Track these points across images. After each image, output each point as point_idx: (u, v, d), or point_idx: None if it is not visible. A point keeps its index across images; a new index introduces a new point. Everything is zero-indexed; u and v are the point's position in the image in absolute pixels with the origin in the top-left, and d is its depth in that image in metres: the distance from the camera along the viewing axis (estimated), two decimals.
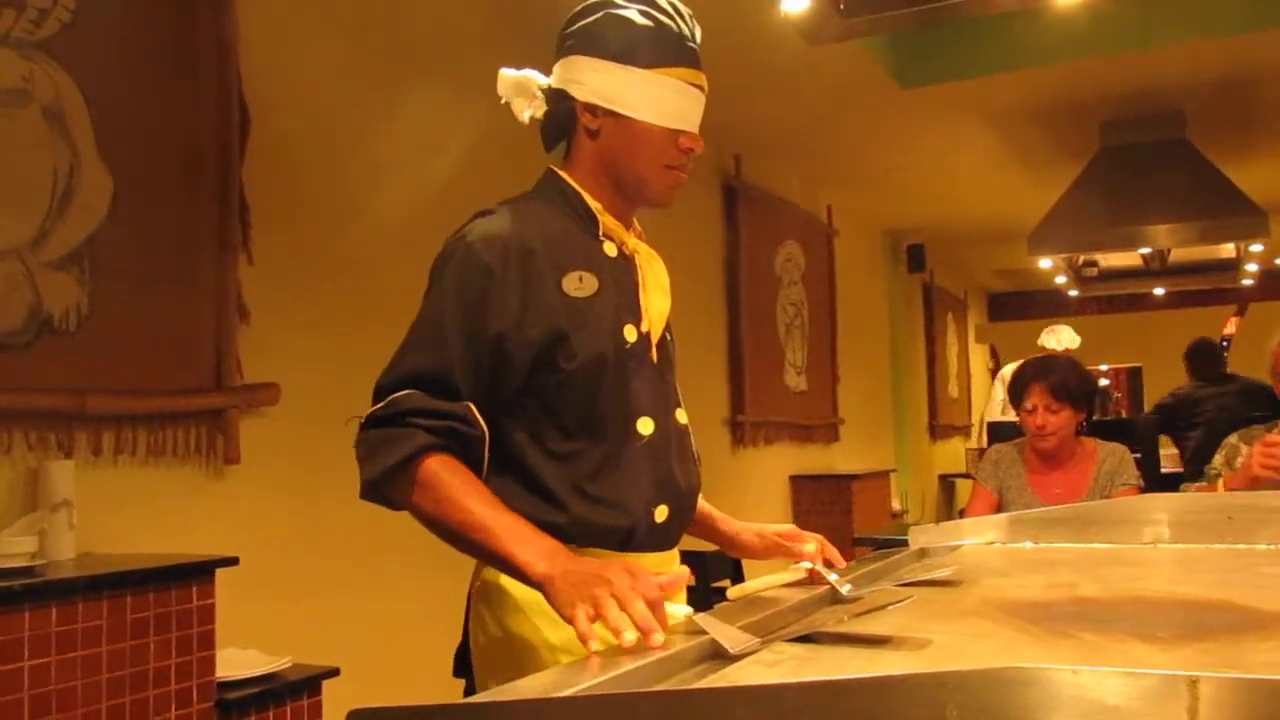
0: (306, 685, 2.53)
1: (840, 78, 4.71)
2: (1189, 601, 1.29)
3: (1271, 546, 1.65)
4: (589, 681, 0.89)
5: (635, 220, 1.62)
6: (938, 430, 9.52)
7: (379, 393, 1.44)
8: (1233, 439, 2.96)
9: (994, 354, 11.87)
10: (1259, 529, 1.71)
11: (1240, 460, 2.85)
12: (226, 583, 2.36)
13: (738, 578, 3.88)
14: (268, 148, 2.97)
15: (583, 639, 1.13)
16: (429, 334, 1.45)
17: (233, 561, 2.36)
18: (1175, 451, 5.94)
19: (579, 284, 1.47)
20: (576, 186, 1.56)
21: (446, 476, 1.37)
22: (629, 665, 0.95)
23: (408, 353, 1.45)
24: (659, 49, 1.51)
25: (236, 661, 2.47)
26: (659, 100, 1.50)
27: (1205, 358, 6.05)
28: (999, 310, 12.74)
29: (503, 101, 1.62)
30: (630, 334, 1.51)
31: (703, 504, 1.70)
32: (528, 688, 0.90)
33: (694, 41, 1.55)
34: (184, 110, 2.77)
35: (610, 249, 1.54)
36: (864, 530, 5.21)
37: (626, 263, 1.56)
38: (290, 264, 3.07)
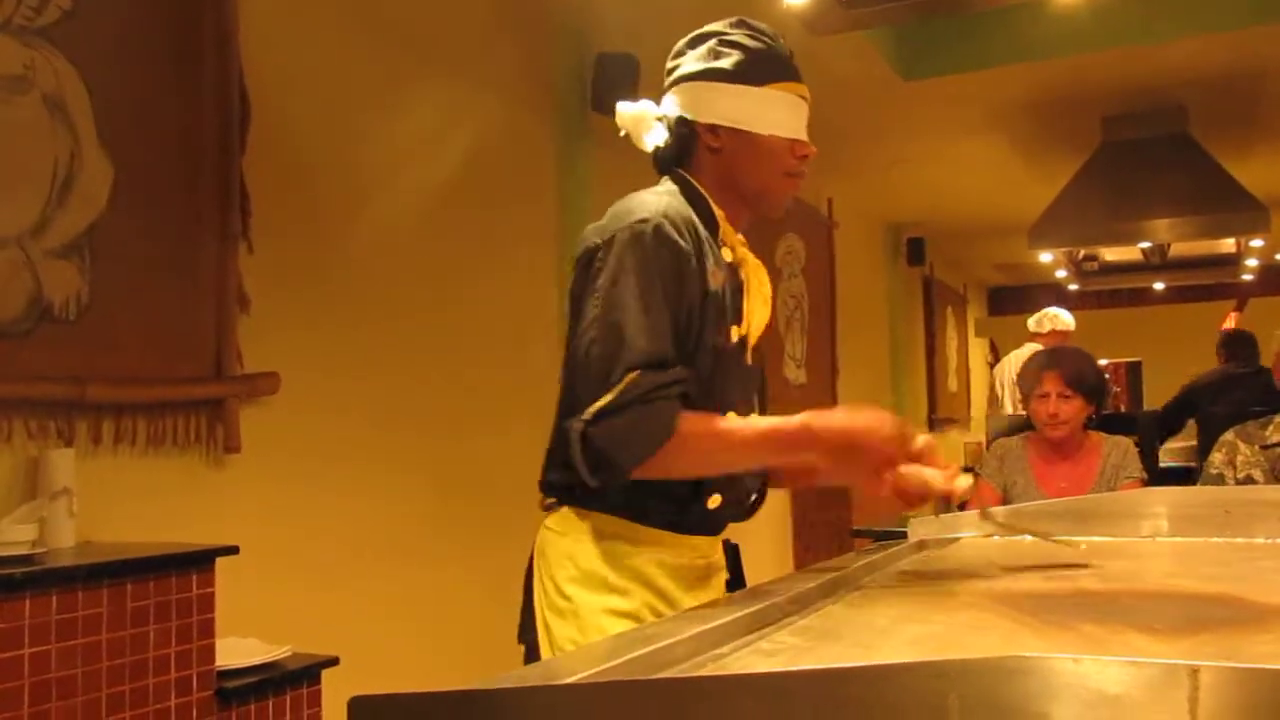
0: (306, 674, 2.54)
1: (843, 70, 4.70)
2: (1187, 595, 1.29)
3: (1269, 540, 1.66)
4: (590, 670, 0.90)
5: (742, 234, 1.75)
6: (937, 423, 9.52)
7: (601, 380, 1.49)
8: (1229, 436, 2.95)
9: (993, 348, 11.87)
10: (1256, 523, 1.71)
11: (1240, 459, 2.85)
12: (226, 571, 2.36)
13: (736, 567, 3.88)
14: (269, 137, 2.96)
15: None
16: (640, 316, 1.51)
17: (233, 550, 2.36)
18: (1184, 444, 5.89)
19: (715, 276, 1.60)
20: (704, 192, 1.68)
21: (704, 428, 1.51)
22: (629, 655, 0.95)
23: (630, 336, 1.50)
24: (770, 67, 1.66)
25: (236, 650, 2.48)
26: (776, 114, 1.65)
27: (1242, 345, 6.03)
28: (999, 304, 12.75)
29: (622, 134, 1.74)
30: (733, 335, 1.65)
31: None
32: (528, 675, 0.90)
33: (793, 58, 1.70)
34: (185, 99, 2.77)
35: (726, 254, 1.66)
36: (862, 522, 5.21)
37: (736, 268, 1.68)
38: (291, 254, 3.07)
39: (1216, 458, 2.91)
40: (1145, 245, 6.18)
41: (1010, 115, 5.85)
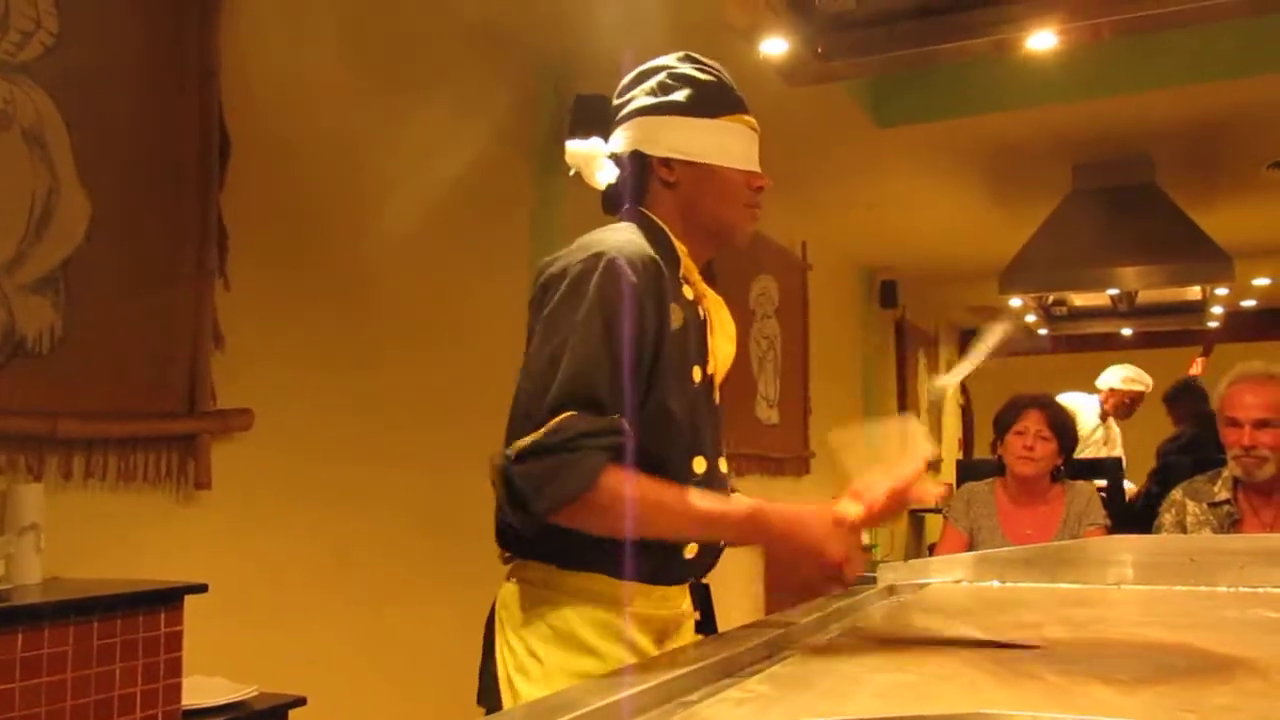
0: (273, 714, 2.51)
1: (818, 116, 4.77)
2: (1151, 644, 1.32)
3: (1232, 589, 1.69)
4: (559, 718, 0.90)
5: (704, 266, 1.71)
6: None
7: (531, 417, 1.43)
8: (1177, 494, 2.96)
9: (964, 391, 11.95)
10: (1220, 572, 1.74)
11: (1189, 519, 2.86)
12: (194, 609, 2.34)
13: (707, 608, 3.88)
14: (247, 174, 2.97)
15: None
16: (585, 353, 1.45)
17: (202, 589, 2.35)
18: None
19: (675, 315, 1.56)
20: (664, 227, 1.64)
21: (627, 492, 1.42)
22: (596, 703, 0.96)
23: (562, 371, 1.45)
24: (721, 99, 1.65)
25: (203, 689, 2.45)
26: (729, 145, 1.64)
27: (1190, 398, 6.07)
28: (971, 347, 12.82)
29: (571, 173, 1.71)
30: (697, 374, 1.59)
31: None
32: None
33: (739, 91, 1.68)
34: (165, 135, 2.77)
35: (688, 291, 1.63)
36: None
37: (699, 305, 1.65)
38: (267, 291, 3.07)
39: (1166, 519, 2.92)
40: (1113, 292, 6.26)
41: (982, 162, 5.94)
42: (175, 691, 2.28)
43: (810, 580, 1.43)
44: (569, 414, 1.40)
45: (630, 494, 1.42)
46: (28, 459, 2.43)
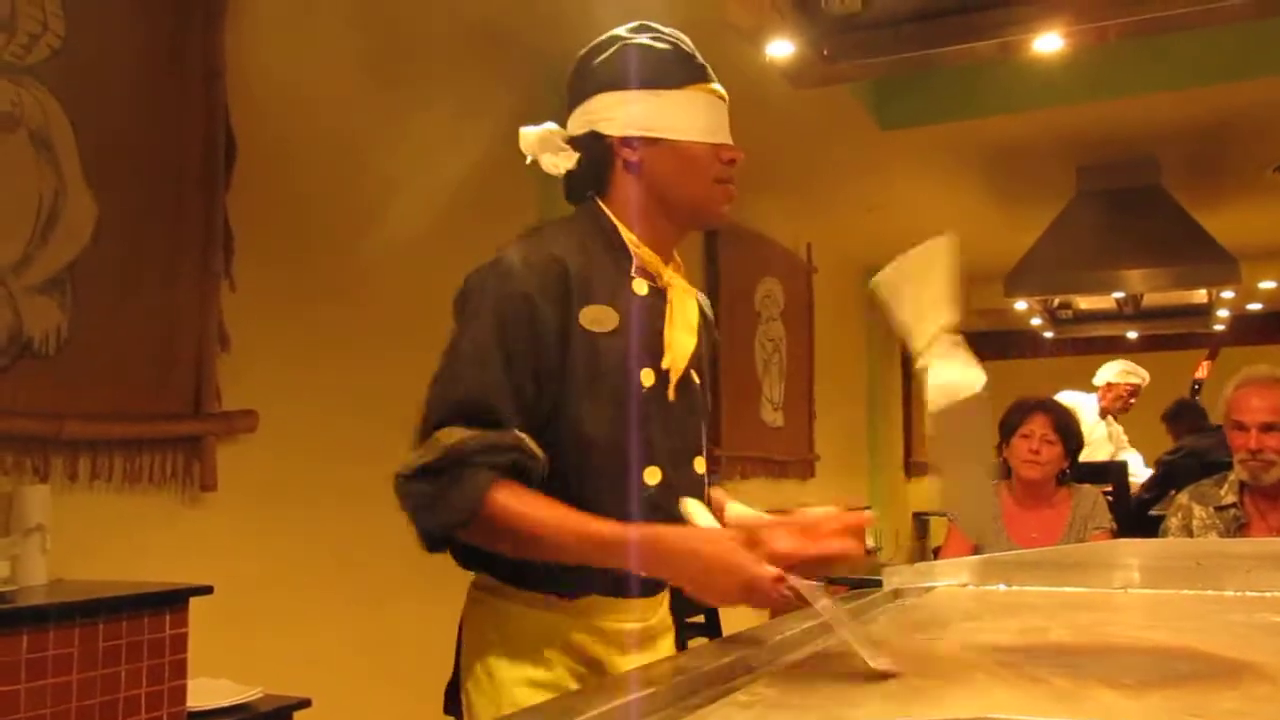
0: (278, 716, 2.51)
1: (823, 118, 4.77)
2: (1157, 648, 1.31)
3: (1238, 593, 1.68)
4: None
5: (675, 254, 1.59)
6: (913, 467, 9.55)
7: (424, 430, 1.37)
8: (1183, 499, 2.95)
9: None
10: (1226, 576, 1.73)
11: (1195, 523, 2.86)
12: (199, 610, 2.35)
13: (711, 611, 3.88)
14: (253, 175, 2.98)
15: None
16: (468, 362, 1.39)
17: (207, 590, 2.35)
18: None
19: (595, 319, 1.44)
20: (614, 219, 1.53)
21: (517, 509, 1.33)
22: (603, 707, 0.96)
23: (448, 384, 1.38)
24: (681, 69, 1.52)
25: (208, 691, 2.45)
26: (693, 118, 1.51)
27: (1190, 415, 6.05)
28: (976, 349, 12.74)
29: (529, 160, 1.58)
30: (648, 377, 1.47)
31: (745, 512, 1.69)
32: None
33: (701, 58, 1.56)
34: (170, 138, 2.78)
35: (640, 286, 1.51)
36: (839, 569, 5.21)
37: (657, 299, 1.52)
38: (272, 293, 3.07)
39: (1173, 523, 2.92)
40: (1119, 295, 6.26)
41: (987, 164, 5.94)
42: (180, 693, 2.29)
43: (739, 590, 1.28)
44: (453, 430, 1.34)
45: (521, 512, 1.33)
46: (34, 460, 2.44)
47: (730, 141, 1.55)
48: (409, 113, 3.62)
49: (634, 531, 1.33)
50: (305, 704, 2.57)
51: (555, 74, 4.49)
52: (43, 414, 2.43)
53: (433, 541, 1.36)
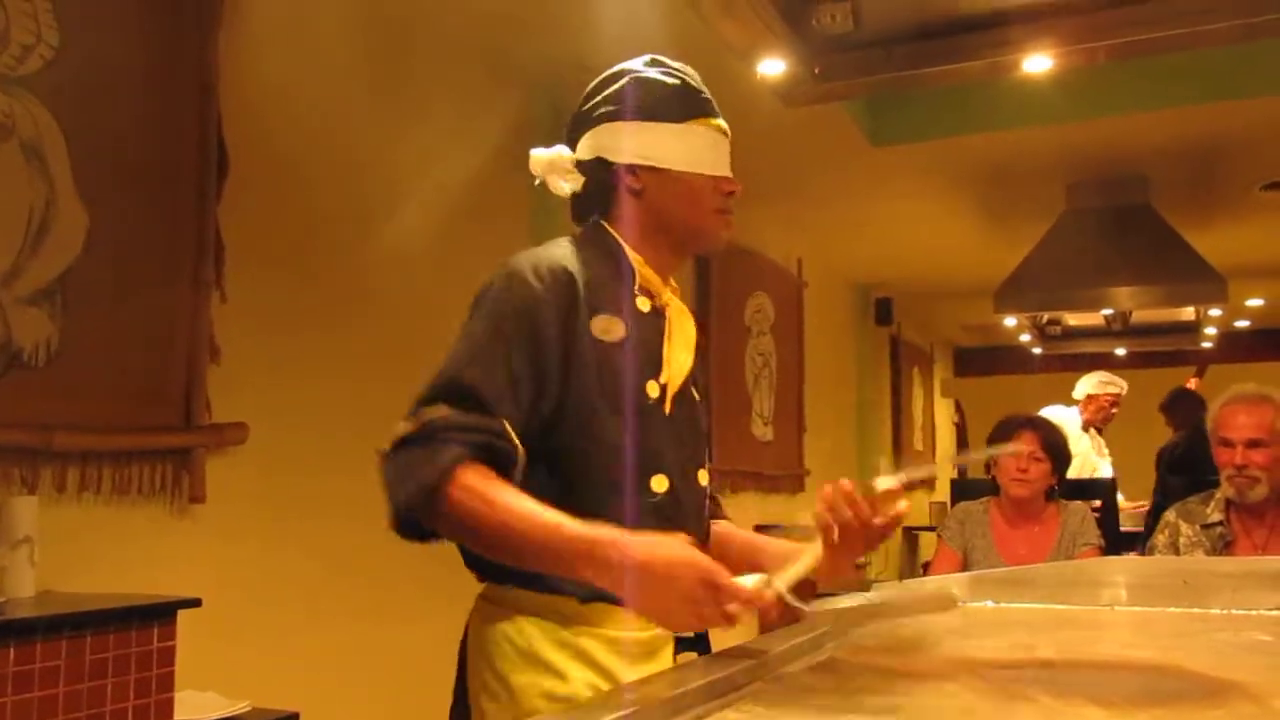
0: None
1: (814, 135, 4.79)
2: (1144, 666, 1.32)
3: (1224, 611, 1.69)
4: None
5: (672, 277, 1.67)
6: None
7: (415, 407, 1.41)
8: (1171, 516, 2.97)
9: (959, 409, 11.96)
10: (1213, 594, 1.74)
11: (1182, 540, 2.88)
12: (186, 623, 2.34)
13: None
14: (245, 188, 2.98)
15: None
16: (466, 352, 1.43)
17: (195, 603, 2.34)
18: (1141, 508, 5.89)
19: (605, 328, 1.50)
20: (620, 239, 1.60)
21: (483, 489, 1.33)
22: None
23: (443, 371, 1.42)
24: (686, 103, 1.61)
25: (194, 705, 2.44)
26: (696, 150, 1.59)
27: (1190, 406, 6.05)
28: (965, 365, 12.88)
29: (537, 182, 1.66)
30: (652, 390, 1.53)
31: (748, 535, 1.75)
32: None
33: (708, 94, 1.64)
34: (163, 149, 2.78)
35: (643, 303, 1.58)
36: (828, 583, 5.21)
37: (657, 317, 1.59)
38: (263, 305, 3.07)
39: (1160, 539, 2.93)
40: (1107, 312, 6.29)
41: (977, 181, 5.97)
42: (167, 707, 2.28)
43: (689, 608, 1.26)
44: (437, 407, 1.37)
45: (484, 492, 1.33)
46: (22, 471, 2.43)
47: (730, 174, 1.63)
48: (403, 125, 3.63)
49: (588, 532, 1.30)
50: (293, 718, 2.56)
51: (550, 90, 4.52)
52: (32, 425, 2.42)
53: (401, 520, 1.37)
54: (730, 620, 1.26)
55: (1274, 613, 1.62)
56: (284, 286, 3.16)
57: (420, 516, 1.37)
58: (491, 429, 1.38)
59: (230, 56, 2.94)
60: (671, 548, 1.28)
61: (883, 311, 9.01)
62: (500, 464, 1.38)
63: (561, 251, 1.53)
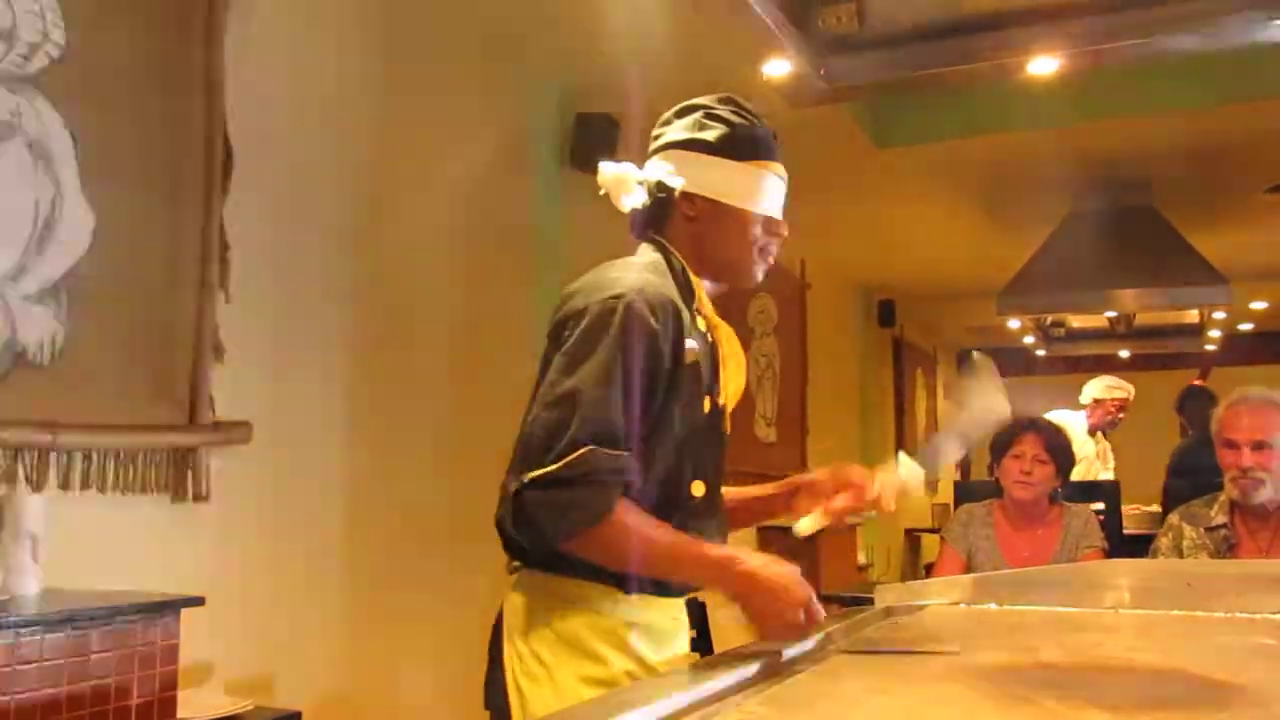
0: None
1: (818, 135, 4.78)
2: (1148, 669, 1.32)
3: (1228, 615, 1.69)
4: None
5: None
6: None
7: (548, 443, 1.49)
8: (1174, 519, 2.96)
9: None
10: (1216, 597, 1.74)
11: (1186, 543, 2.87)
12: (190, 621, 2.34)
13: (703, 626, 3.87)
14: (250, 187, 2.98)
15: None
16: (603, 392, 1.52)
17: (199, 601, 2.34)
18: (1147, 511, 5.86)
19: (691, 351, 1.62)
20: (682, 260, 1.71)
21: (639, 525, 1.51)
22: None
23: (584, 408, 1.51)
24: (753, 145, 1.71)
25: (198, 703, 2.45)
26: (753, 190, 1.70)
27: (1204, 402, 6.02)
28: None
29: (601, 193, 1.75)
30: (707, 404, 1.65)
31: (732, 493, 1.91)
32: None
33: (777, 140, 1.75)
34: (168, 148, 2.78)
35: (702, 324, 1.68)
36: (831, 586, 5.22)
37: (711, 336, 1.71)
38: (268, 304, 3.07)
39: (1163, 543, 2.93)
40: (1111, 314, 6.28)
41: (981, 183, 5.96)
42: (171, 705, 2.28)
43: (776, 618, 1.48)
44: (589, 448, 1.47)
45: (639, 528, 1.51)
46: (27, 469, 2.43)
47: (780, 218, 1.75)
48: (408, 125, 3.63)
49: (719, 551, 1.56)
50: (296, 716, 2.57)
51: (556, 93, 4.51)
52: (37, 423, 2.43)
53: (551, 545, 1.51)
54: (809, 626, 1.47)
55: (1278, 616, 1.62)
56: (289, 286, 3.16)
57: (575, 546, 1.50)
58: (630, 467, 1.52)
59: (236, 56, 2.94)
60: (783, 571, 1.50)
61: (886, 313, 9.01)
62: (631, 492, 1.54)
63: (659, 280, 1.63)
